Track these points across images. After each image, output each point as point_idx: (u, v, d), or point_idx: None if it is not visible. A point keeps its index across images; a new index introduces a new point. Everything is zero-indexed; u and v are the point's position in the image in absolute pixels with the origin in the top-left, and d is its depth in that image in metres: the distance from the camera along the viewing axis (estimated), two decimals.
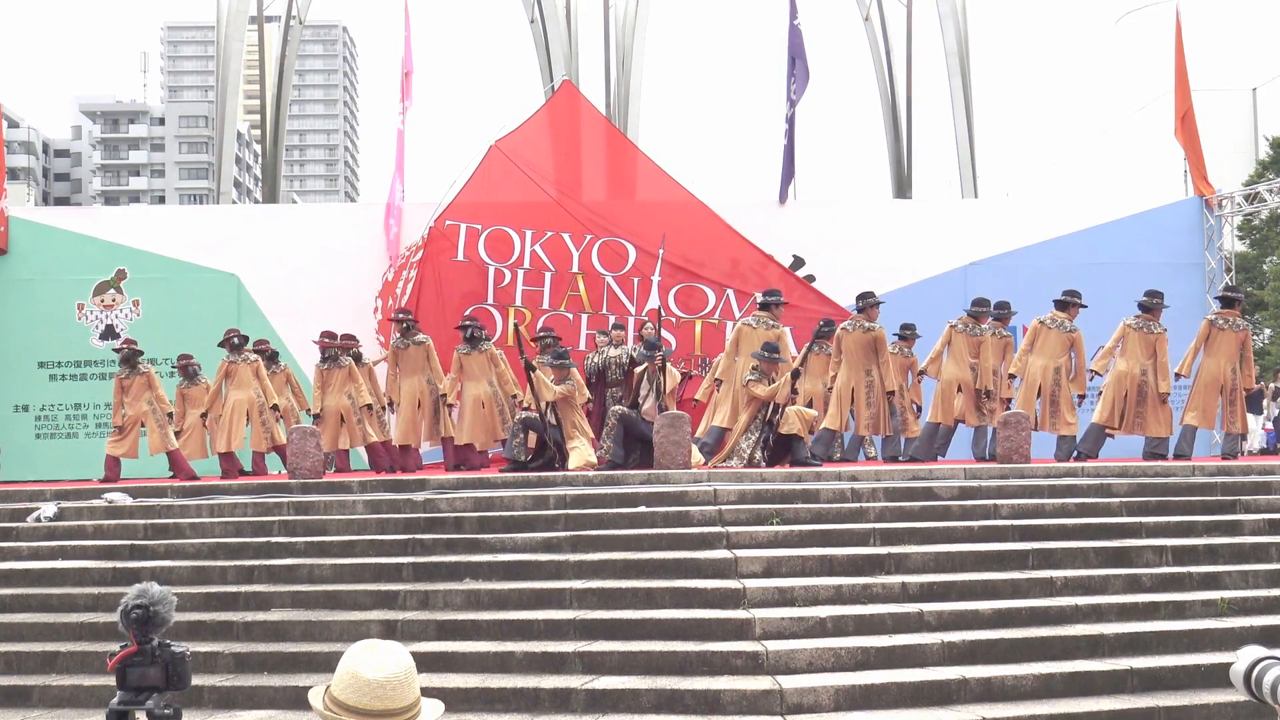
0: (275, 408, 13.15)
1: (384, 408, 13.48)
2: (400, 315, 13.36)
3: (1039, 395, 12.39)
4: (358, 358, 13.47)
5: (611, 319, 14.33)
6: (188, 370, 13.40)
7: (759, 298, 14.56)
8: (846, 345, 12.65)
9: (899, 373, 13.13)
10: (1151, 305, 12.39)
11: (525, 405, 12.57)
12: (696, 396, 12.81)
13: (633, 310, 14.49)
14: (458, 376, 13.15)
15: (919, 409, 13.61)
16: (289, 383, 14.04)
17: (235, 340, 13.04)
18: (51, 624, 8.23)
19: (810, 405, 12.69)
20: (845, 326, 12.82)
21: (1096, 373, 12.66)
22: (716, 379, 12.75)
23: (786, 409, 11.83)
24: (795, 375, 12.08)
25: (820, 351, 13.17)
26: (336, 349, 13.14)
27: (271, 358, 13.74)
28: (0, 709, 7.29)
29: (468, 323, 13.29)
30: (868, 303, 12.83)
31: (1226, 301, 12.62)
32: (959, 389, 12.88)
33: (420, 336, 13.30)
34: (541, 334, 13.57)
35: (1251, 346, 13.17)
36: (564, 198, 15.00)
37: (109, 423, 13.51)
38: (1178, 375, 12.54)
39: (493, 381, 13.06)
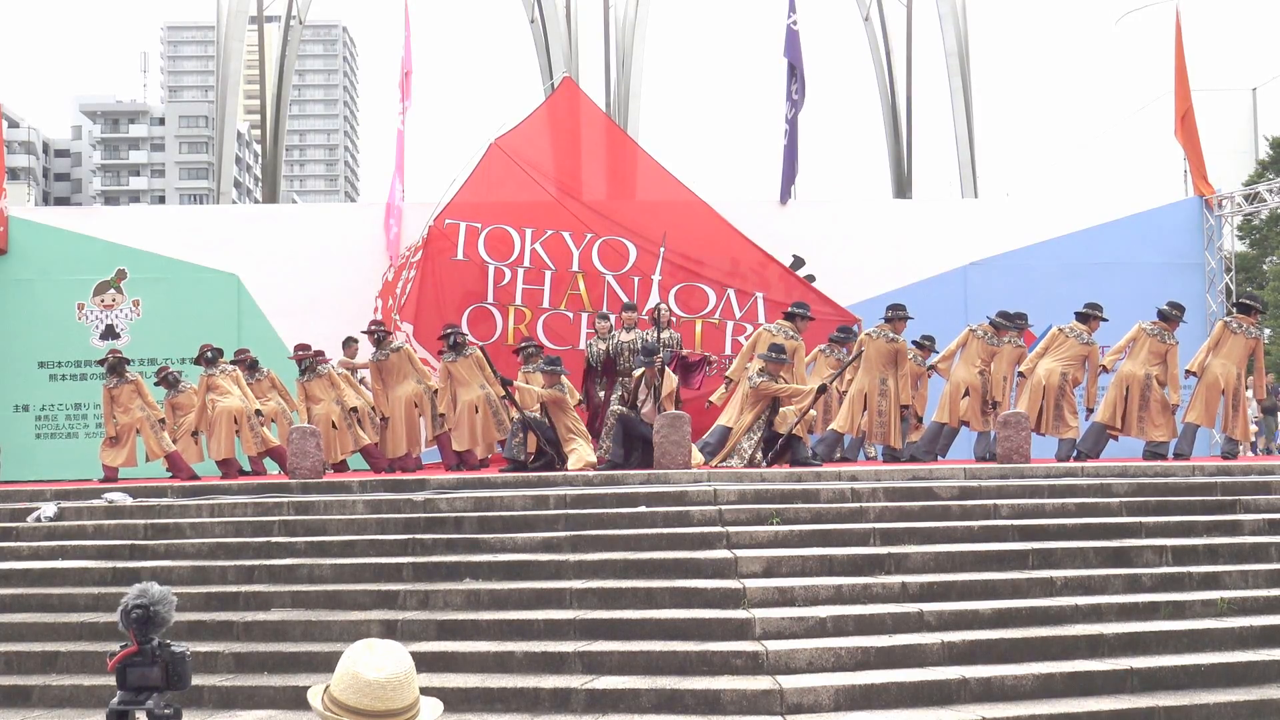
0: (259, 413, 13.14)
1: (373, 408, 13.46)
2: (372, 328, 13.31)
3: (1043, 397, 12.39)
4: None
5: (611, 317, 14.28)
6: (168, 379, 13.34)
7: (760, 298, 14.58)
8: (868, 352, 12.66)
9: (909, 381, 13.15)
10: (1171, 316, 12.41)
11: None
12: (712, 399, 12.79)
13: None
14: (448, 385, 13.12)
15: (920, 420, 13.63)
16: (275, 386, 14.00)
17: (209, 354, 13.02)
18: (51, 624, 8.23)
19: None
20: (870, 333, 12.85)
21: (1105, 368, 12.69)
22: (728, 379, 12.76)
23: (784, 408, 11.83)
24: (822, 390, 12.09)
25: (830, 355, 13.19)
26: (311, 359, 13.17)
27: (251, 366, 13.69)
28: (0, 709, 7.29)
29: (449, 330, 13.25)
30: (896, 314, 12.86)
31: (1244, 308, 12.62)
32: (966, 393, 12.89)
33: (396, 343, 13.30)
34: (523, 344, 13.50)
35: (1263, 357, 13.16)
36: (564, 196, 14.96)
37: None
38: (1188, 373, 12.56)
39: (484, 384, 12.98)
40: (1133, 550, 8.52)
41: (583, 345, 14.26)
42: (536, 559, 8.44)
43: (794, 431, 11.72)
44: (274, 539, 9.10)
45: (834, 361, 13.11)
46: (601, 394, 13.38)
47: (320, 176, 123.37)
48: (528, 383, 12.45)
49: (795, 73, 15.79)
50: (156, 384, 13.44)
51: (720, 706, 6.57)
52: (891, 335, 12.73)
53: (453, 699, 6.67)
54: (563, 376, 12.00)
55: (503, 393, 12.55)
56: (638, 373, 12.18)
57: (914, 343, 13.48)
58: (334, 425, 13.01)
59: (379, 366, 13.20)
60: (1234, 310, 12.84)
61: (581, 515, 9.07)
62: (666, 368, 12.08)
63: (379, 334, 13.22)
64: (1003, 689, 6.77)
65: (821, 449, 12.59)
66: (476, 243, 14.72)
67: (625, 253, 14.76)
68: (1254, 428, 19.65)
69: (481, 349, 13.00)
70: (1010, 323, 13.02)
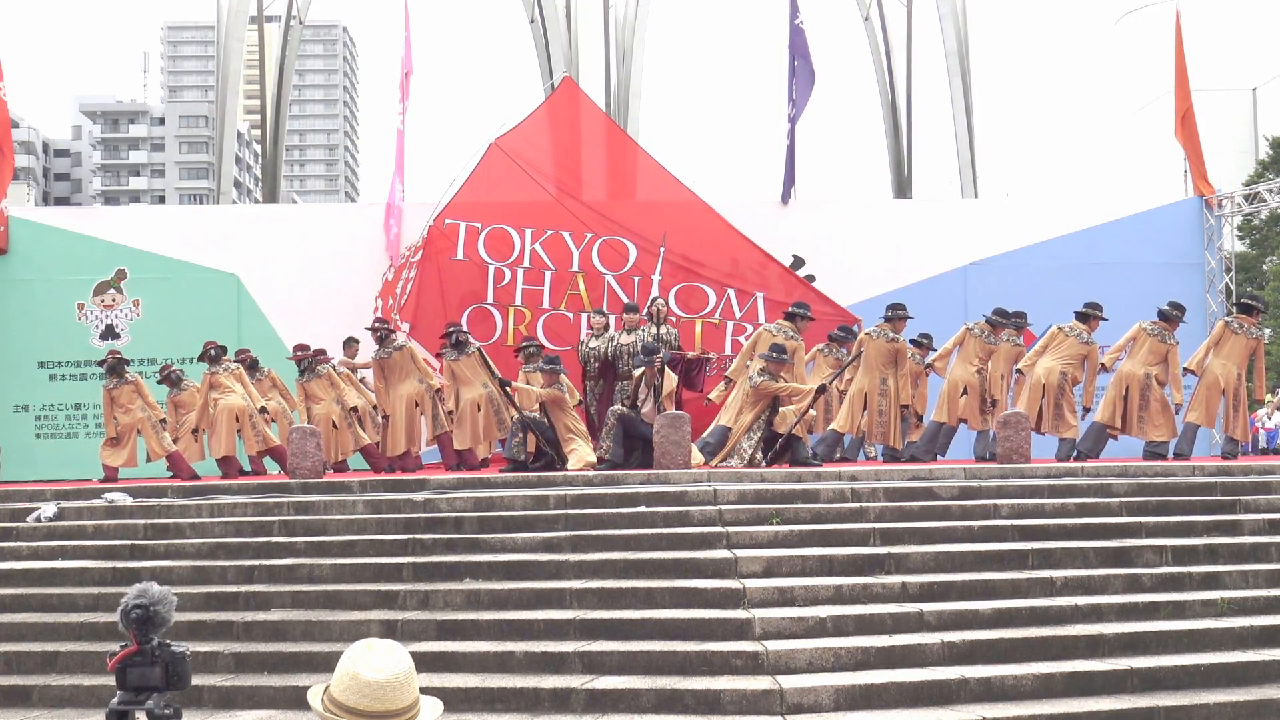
0: (264, 410, 13.14)
1: (374, 407, 13.46)
2: (376, 325, 13.30)
3: (1043, 395, 12.38)
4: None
5: (610, 317, 14.26)
6: (171, 378, 13.35)
7: (760, 298, 14.58)
8: (868, 351, 12.66)
9: (909, 381, 13.16)
10: (1171, 316, 12.40)
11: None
12: (710, 397, 12.80)
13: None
14: (450, 384, 13.11)
15: (920, 418, 13.63)
16: (275, 385, 14.01)
17: (212, 352, 13.02)
18: (51, 624, 8.23)
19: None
20: (870, 332, 12.86)
21: (1105, 367, 12.68)
22: (727, 378, 12.76)
23: (784, 408, 11.83)
24: (822, 390, 12.09)
25: (830, 355, 13.19)
26: (310, 359, 13.18)
27: (252, 365, 13.69)
28: (0, 709, 7.29)
29: (451, 329, 13.24)
30: (896, 314, 12.87)
31: (1245, 308, 12.62)
32: (964, 391, 12.89)
33: (400, 341, 13.30)
34: (524, 344, 13.49)
35: (1263, 357, 13.16)
36: (564, 196, 14.96)
37: None
38: (1187, 370, 12.55)
39: (486, 383, 12.96)
40: (1133, 550, 8.52)
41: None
42: (536, 559, 8.43)
43: (794, 431, 11.72)
44: (274, 539, 9.09)
45: (834, 361, 13.11)
46: (595, 404, 13.34)
47: (320, 176, 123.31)
48: (528, 383, 12.44)
49: (796, 72, 15.79)
50: (159, 382, 13.45)
51: (720, 706, 6.57)
52: (891, 335, 12.73)
53: (453, 699, 6.67)
54: (562, 376, 11.99)
55: (501, 393, 12.55)
56: (638, 372, 12.17)
57: (912, 341, 13.48)
58: (334, 425, 13.02)
59: (381, 364, 13.19)
60: (1235, 310, 12.83)
61: (581, 515, 9.06)
62: (666, 367, 12.07)
63: (383, 332, 13.21)
64: (1003, 689, 6.76)
65: (821, 449, 12.59)
66: (476, 243, 14.72)
67: (625, 253, 14.76)
68: None
69: (479, 350, 12.99)
70: (1006, 320, 13.01)
